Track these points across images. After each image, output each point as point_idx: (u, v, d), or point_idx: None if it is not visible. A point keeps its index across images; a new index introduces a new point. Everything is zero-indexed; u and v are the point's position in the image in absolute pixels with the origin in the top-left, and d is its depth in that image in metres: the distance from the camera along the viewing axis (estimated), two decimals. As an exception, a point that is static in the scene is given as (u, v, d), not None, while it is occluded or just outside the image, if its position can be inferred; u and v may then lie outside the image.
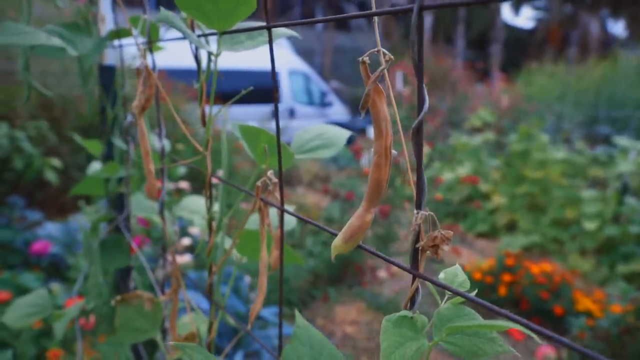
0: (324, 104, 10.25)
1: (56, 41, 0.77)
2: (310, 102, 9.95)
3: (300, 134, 0.69)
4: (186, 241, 2.45)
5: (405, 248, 4.05)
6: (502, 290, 3.20)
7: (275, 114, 0.50)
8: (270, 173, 0.51)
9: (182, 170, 2.79)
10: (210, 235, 0.64)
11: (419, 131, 0.35)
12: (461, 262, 3.78)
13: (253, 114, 8.11)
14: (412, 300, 0.41)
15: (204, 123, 0.59)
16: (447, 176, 5.20)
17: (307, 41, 17.37)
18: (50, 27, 0.91)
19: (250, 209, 0.51)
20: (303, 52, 13.48)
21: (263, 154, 0.62)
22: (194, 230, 2.56)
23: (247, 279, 2.48)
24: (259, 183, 0.50)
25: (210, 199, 0.62)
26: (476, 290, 0.42)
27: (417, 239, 0.39)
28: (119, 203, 1.03)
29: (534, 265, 3.28)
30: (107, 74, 0.98)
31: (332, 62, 17.63)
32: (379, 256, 0.43)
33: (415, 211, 0.37)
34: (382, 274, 3.21)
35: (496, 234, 4.73)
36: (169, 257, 0.68)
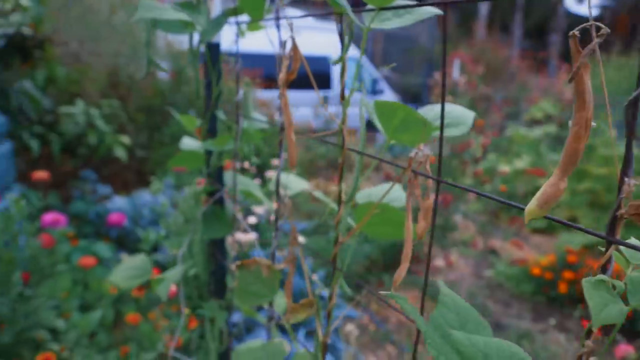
0: (375, 91, 10.17)
1: (185, 16, 0.81)
2: (361, 89, 9.90)
3: (423, 112, 0.70)
4: (252, 220, 2.52)
5: (462, 238, 4.00)
6: (563, 287, 3.11)
7: (442, 93, 0.51)
8: (421, 145, 0.53)
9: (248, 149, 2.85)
10: (340, 207, 0.66)
11: (636, 104, 0.36)
12: (519, 256, 3.70)
13: (305, 100, 8.16)
14: (605, 266, 0.42)
15: (342, 98, 0.61)
16: (503, 169, 5.07)
17: (358, 27, 17.18)
18: (159, 4, 0.95)
19: (409, 181, 0.52)
20: (354, 38, 13.37)
21: (396, 129, 0.64)
22: (259, 209, 2.63)
23: (309, 259, 2.53)
24: (411, 154, 0.51)
25: (341, 172, 0.64)
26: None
27: (618, 207, 0.39)
28: (218, 176, 1.08)
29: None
30: (214, 51, 1.02)
31: (383, 49, 17.41)
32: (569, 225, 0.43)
33: (626, 179, 0.38)
34: (439, 262, 3.19)
35: (553, 230, 4.59)
36: (291, 230, 0.71)
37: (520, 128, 5.73)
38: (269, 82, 5.99)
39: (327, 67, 9.16)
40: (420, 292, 3.23)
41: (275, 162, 2.90)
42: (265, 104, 5.60)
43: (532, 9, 18.99)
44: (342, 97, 0.62)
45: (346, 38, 0.62)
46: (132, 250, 3.22)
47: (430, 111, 0.70)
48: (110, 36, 4.50)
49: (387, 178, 4.83)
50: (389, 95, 10.65)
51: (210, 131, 1.05)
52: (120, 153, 3.50)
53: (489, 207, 4.50)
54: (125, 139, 3.62)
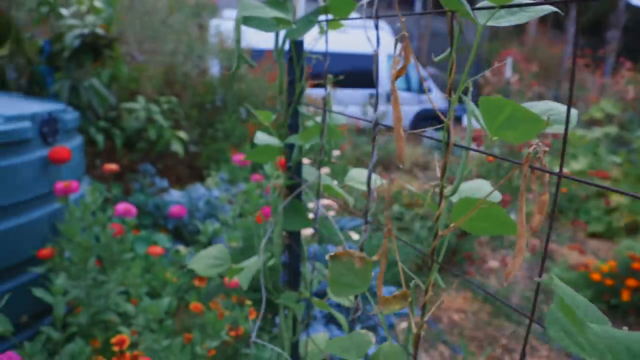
0: (422, 90, 10.05)
1: (281, 14, 0.83)
2: (408, 88, 9.78)
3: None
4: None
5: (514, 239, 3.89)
6: (625, 295, 2.98)
7: (570, 90, 0.51)
8: (537, 142, 0.53)
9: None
10: (440, 202, 0.67)
11: None
12: (578, 261, 3.57)
13: (353, 97, 8.15)
14: None
15: (450, 94, 0.62)
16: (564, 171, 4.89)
17: (406, 24, 16.98)
18: (257, 3, 0.99)
19: (524, 176, 0.53)
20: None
21: (500, 126, 0.64)
22: (311, 204, 2.66)
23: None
24: (529, 150, 0.52)
25: (444, 166, 0.65)
26: None
27: None
28: (297, 170, 1.11)
29: (665, 271, 3.02)
30: (299, 48, 1.05)
31: (429, 47, 17.14)
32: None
33: None
34: (493, 264, 3.13)
35: (612, 236, 4.40)
36: (386, 223, 0.72)
37: (577, 129, 5.52)
38: (317, 79, 6.02)
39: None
40: (472, 293, 3.18)
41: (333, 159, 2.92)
42: (315, 102, 5.64)
43: (589, 4, 18.17)
44: (450, 93, 0.63)
45: (455, 35, 0.63)
46: (188, 241, 3.33)
47: (534, 107, 0.70)
48: (167, 36, 4.66)
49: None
50: (436, 94, 10.49)
51: (292, 126, 1.08)
52: (177, 147, 3.63)
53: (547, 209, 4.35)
54: (183, 134, 3.74)
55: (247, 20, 0.94)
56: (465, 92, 0.62)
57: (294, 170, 1.10)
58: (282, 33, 1.05)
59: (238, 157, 2.66)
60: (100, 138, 3.36)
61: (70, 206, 2.16)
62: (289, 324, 1.19)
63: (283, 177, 1.11)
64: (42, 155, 2.20)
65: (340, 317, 1.22)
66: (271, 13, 0.82)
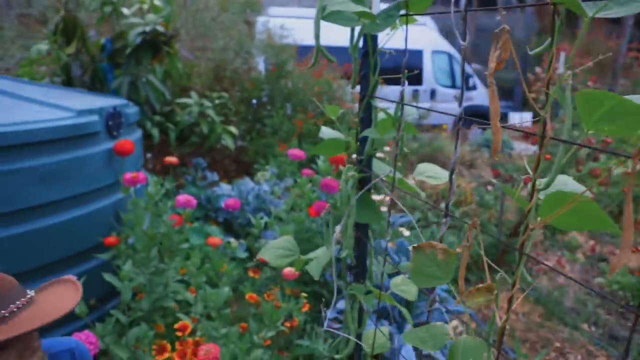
0: (467, 88, 9.84)
1: (365, 9, 0.85)
2: (453, 85, 9.61)
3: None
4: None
5: (567, 240, 3.77)
6: (689, 301, 2.84)
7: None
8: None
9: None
10: (532, 196, 0.67)
11: None
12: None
13: (396, 95, 8.08)
14: None
15: (547, 86, 0.62)
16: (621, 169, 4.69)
17: (450, 19, 16.68)
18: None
19: (633, 169, 0.52)
20: (445, 31, 13.01)
21: (599, 119, 0.63)
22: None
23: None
24: (642, 143, 0.51)
25: (539, 160, 0.65)
26: None
27: None
28: (368, 164, 1.12)
29: None
30: (373, 43, 1.06)
31: (474, 43, 16.76)
32: None
33: None
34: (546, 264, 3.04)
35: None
36: (471, 217, 0.73)
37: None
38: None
39: (419, 61, 9.01)
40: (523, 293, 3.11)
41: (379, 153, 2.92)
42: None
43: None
44: (547, 86, 0.62)
45: (557, 26, 0.62)
46: (238, 234, 3.41)
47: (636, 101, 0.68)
48: (217, 33, 4.77)
49: (497, 174, 4.68)
50: (481, 91, 10.26)
51: (364, 120, 1.09)
52: (228, 142, 3.71)
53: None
54: (234, 129, 3.83)
55: (327, 15, 0.96)
56: (563, 86, 0.62)
57: (365, 164, 1.11)
58: (357, 28, 1.06)
59: (292, 152, 2.70)
60: (155, 132, 3.48)
61: (132, 197, 2.26)
62: (355, 316, 1.21)
63: (354, 171, 1.13)
64: (108, 148, 2.31)
65: (405, 312, 1.23)
66: (356, 8, 0.83)
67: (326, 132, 1.31)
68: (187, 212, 2.25)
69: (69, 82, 3.25)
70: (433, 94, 9.07)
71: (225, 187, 3.66)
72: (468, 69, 10.42)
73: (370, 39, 1.05)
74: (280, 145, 4.21)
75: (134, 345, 1.82)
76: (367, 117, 1.08)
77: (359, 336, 1.27)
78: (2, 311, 0.88)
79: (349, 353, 1.23)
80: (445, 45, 9.82)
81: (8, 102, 2.26)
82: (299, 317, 1.98)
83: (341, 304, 2.38)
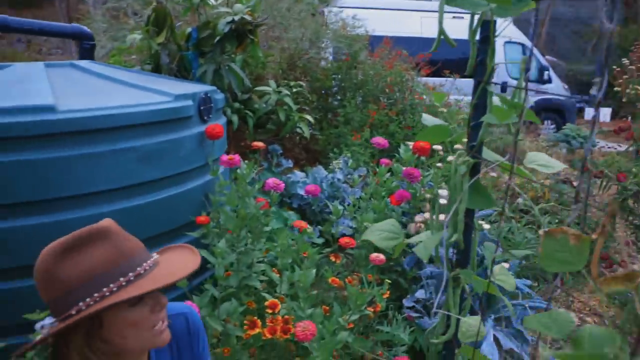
0: (541, 81, 9.40)
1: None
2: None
3: None
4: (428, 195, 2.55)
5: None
6: None
7: None
8: None
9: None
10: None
11: None
12: None
13: (469, 86, 7.86)
14: None
15: None
16: None
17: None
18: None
19: None
20: (517, 20, 12.48)
21: None
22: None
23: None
24: None
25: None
26: None
27: None
28: (479, 151, 1.12)
29: None
30: (487, 28, 1.05)
31: (548, 34, 15.95)
32: None
33: None
34: (635, 267, 2.88)
35: None
36: (609, 203, 0.71)
37: None
38: (434, 66, 5.89)
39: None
40: (608, 296, 2.97)
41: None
42: (432, 88, 5.54)
43: None
44: None
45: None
46: (311, 220, 3.48)
47: None
48: (292, 22, 4.84)
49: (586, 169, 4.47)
50: (555, 85, 9.76)
51: (479, 106, 1.09)
52: (304, 130, 3.78)
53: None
54: (309, 117, 3.89)
55: (451, 0, 0.96)
56: None
57: (477, 150, 1.11)
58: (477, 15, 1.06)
59: (375, 140, 2.71)
60: (235, 119, 3.61)
61: (220, 179, 2.37)
62: (457, 301, 1.22)
63: (462, 156, 1.13)
64: (200, 132, 2.43)
65: (508, 302, 1.22)
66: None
67: (428, 119, 1.31)
68: (274, 196, 2.33)
69: (157, 70, 3.43)
70: (504, 87, 8.74)
71: (299, 174, 3.73)
72: (542, 61, 9.93)
73: (488, 25, 1.04)
74: (354, 135, 4.23)
75: (224, 320, 1.92)
76: (482, 103, 1.08)
77: (457, 323, 1.27)
78: (138, 269, 0.96)
79: (448, 338, 1.24)
80: (518, 36, 9.42)
81: (111, 86, 2.43)
82: (382, 302, 2.00)
83: (420, 293, 2.38)
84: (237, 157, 2.17)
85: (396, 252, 1.29)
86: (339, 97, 5.08)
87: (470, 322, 1.23)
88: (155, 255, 1.05)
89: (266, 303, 1.86)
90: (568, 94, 9.68)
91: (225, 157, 2.18)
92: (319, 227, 3.05)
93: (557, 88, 9.60)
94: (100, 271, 0.90)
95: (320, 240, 2.92)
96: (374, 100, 4.87)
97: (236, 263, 2.14)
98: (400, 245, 1.26)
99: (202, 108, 2.46)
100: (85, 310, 0.88)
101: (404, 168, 2.42)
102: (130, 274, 0.93)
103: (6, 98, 1.91)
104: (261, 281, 2.32)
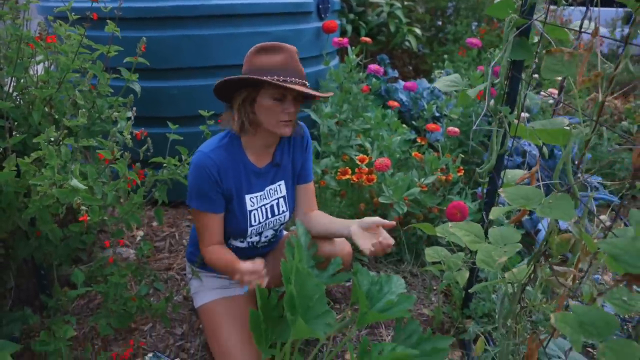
0: None
1: None
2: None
3: None
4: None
5: None
6: None
7: None
8: None
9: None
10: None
11: None
12: None
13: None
14: None
15: None
16: None
17: None
18: None
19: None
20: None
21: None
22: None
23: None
24: None
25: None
26: None
27: None
28: (530, 12, 1.42)
29: None
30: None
31: None
32: None
33: None
34: None
35: None
36: None
37: None
38: None
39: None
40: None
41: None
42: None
43: None
44: None
45: None
46: (409, 125, 3.84)
47: None
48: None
49: None
50: None
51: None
52: (412, 43, 4.06)
53: None
54: (418, 30, 4.14)
55: None
56: None
57: (527, 12, 1.41)
58: None
59: (470, 40, 2.95)
60: (349, 28, 3.99)
61: (330, 68, 2.83)
62: (499, 139, 1.57)
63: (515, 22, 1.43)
64: (317, 26, 2.88)
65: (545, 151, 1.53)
66: None
67: (499, -2, 1.61)
68: (374, 83, 2.74)
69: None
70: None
71: (402, 83, 4.07)
72: None
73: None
74: (460, 50, 4.40)
75: (323, 170, 2.44)
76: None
77: (500, 157, 1.63)
78: (295, 78, 1.44)
79: (490, 168, 1.60)
80: None
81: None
82: (454, 174, 2.37)
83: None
84: (346, 39, 2.60)
85: (459, 100, 1.66)
86: (452, 19, 5.18)
87: (515, 172, 1.59)
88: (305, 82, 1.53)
89: (357, 157, 2.33)
90: None
91: (336, 39, 2.61)
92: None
93: None
94: (274, 67, 1.41)
95: (414, 136, 3.30)
96: (488, 22, 4.90)
97: (337, 132, 2.62)
98: (463, 93, 1.62)
99: (320, 6, 2.90)
100: (259, 79, 1.39)
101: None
102: (289, 78, 1.44)
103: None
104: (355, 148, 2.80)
